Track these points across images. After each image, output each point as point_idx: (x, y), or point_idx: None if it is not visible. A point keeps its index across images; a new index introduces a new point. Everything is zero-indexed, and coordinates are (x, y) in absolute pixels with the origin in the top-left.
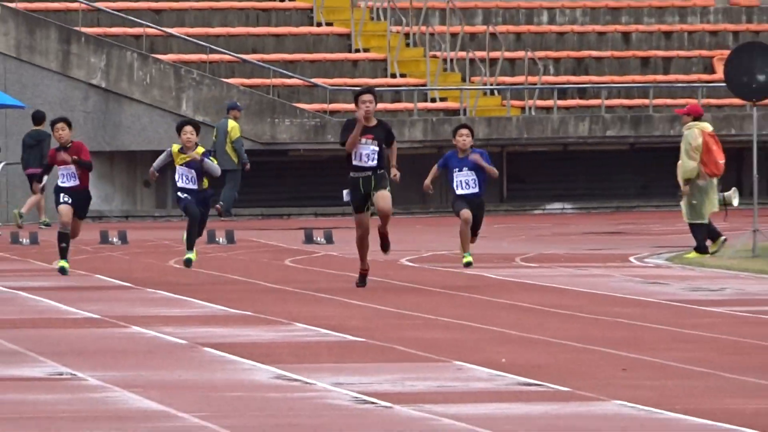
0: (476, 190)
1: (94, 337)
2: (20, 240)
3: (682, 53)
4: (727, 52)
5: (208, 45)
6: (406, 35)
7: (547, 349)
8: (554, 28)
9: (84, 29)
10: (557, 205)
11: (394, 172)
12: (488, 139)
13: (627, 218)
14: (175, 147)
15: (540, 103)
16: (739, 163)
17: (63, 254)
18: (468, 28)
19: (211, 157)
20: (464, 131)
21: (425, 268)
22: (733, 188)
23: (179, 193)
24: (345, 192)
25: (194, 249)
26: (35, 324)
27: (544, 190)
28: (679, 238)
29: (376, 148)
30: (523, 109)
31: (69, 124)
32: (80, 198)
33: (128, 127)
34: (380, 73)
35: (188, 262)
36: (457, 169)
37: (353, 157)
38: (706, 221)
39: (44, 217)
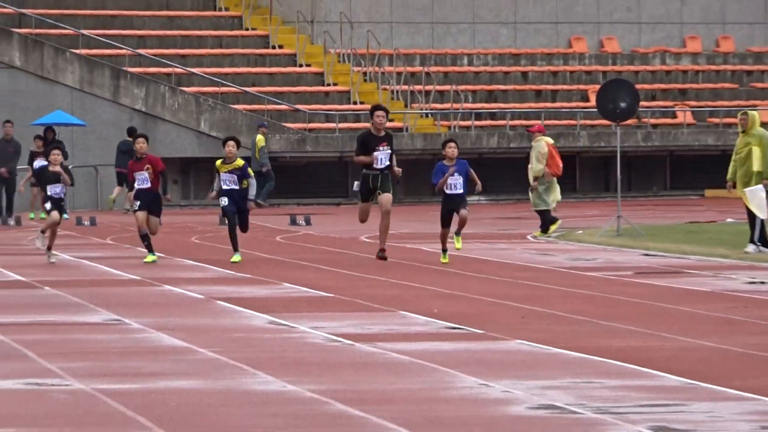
0: (461, 191)
1: (136, 293)
2: (83, 222)
3: (565, 87)
4: (598, 86)
5: (219, 80)
6: (364, 74)
7: (467, 303)
8: (472, 68)
9: (129, 69)
10: (474, 198)
11: (398, 170)
12: (424, 149)
13: (525, 207)
14: (218, 162)
15: (462, 123)
16: (606, 168)
17: (149, 249)
18: (409, 69)
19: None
20: (452, 144)
21: (377, 242)
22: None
23: (223, 198)
24: (356, 183)
25: (239, 250)
26: (93, 284)
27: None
28: (562, 221)
29: (389, 152)
30: (449, 127)
31: (147, 140)
32: (151, 197)
33: (161, 141)
34: (345, 101)
35: (236, 262)
36: (452, 172)
37: (374, 162)
38: (550, 207)
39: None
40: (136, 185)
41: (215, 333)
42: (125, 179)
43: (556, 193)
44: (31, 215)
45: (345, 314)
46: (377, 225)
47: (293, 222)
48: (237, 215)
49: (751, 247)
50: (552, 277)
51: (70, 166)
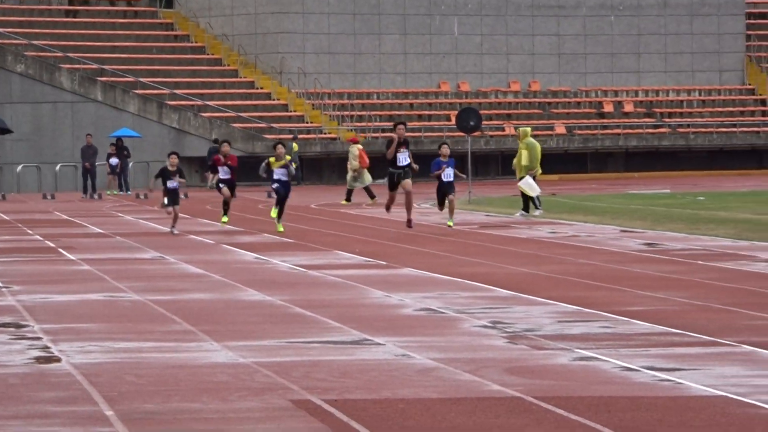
0: (451, 179)
1: (172, 240)
2: (140, 196)
3: (436, 112)
4: (456, 112)
5: (224, 108)
6: (312, 105)
7: (375, 246)
8: (379, 101)
9: (169, 102)
10: (380, 180)
11: (415, 167)
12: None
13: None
14: (272, 159)
15: (373, 134)
16: (462, 162)
17: (225, 212)
18: (340, 101)
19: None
20: (446, 146)
21: (321, 209)
22: (369, 179)
23: (274, 183)
24: (386, 179)
25: (281, 221)
26: (146, 234)
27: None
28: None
29: (407, 153)
30: (365, 137)
31: (230, 144)
32: (231, 184)
33: (188, 146)
34: (301, 122)
35: (278, 225)
36: (445, 166)
37: (396, 160)
38: (366, 185)
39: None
40: (219, 175)
41: (221, 264)
42: (213, 168)
43: (366, 177)
44: (108, 192)
45: (301, 252)
46: (315, 196)
47: (269, 195)
48: (284, 194)
49: (537, 211)
50: (428, 230)
51: (130, 163)
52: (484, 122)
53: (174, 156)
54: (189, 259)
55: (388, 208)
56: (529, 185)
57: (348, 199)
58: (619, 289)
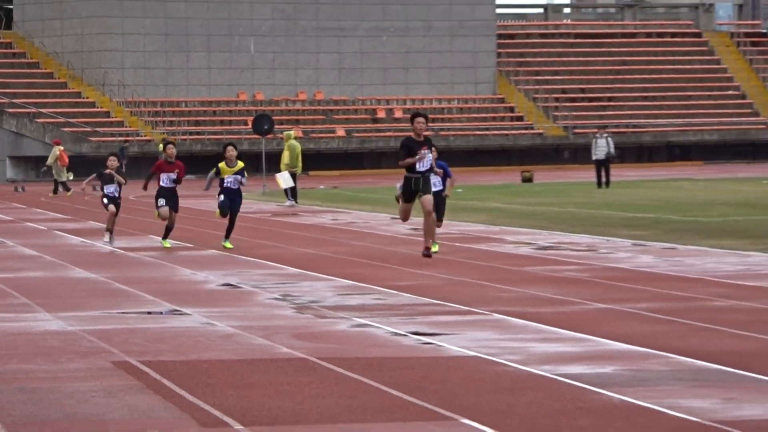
0: (440, 188)
1: (10, 227)
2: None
3: (235, 118)
4: (253, 117)
5: (55, 116)
6: (131, 112)
7: (184, 231)
8: (186, 108)
9: (8, 110)
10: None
11: (439, 171)
12: (157, 151)
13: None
14: (222, 164)
15: (182, 137)
16: (258, 159)
17: (165, 236)
18: (153, 109)
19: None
20: (433, 148)
21: (138, 200)
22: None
23: (222, 196)
24: (398, 185)
25: (228, 239)
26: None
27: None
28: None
29: (431, 155)
30: (175, 139)
31: (175, 145)
32: (173, 196)
33: (26, 148)
34: (121, 126)
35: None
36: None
37: (417, 165)
38: (63, 180)
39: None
40: (161, 183)
41: (52, 247)
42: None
43: (63, 174)
44: None
45: (120, 237)
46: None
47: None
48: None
49: (288, 203)
50: (264, 218)
51: None
52: (276, 126)
53: (114, 159)
54: (25, 243)
55: (404, 219)
56: (284, 179)
57: (55, 191)
58: (389, 267)
